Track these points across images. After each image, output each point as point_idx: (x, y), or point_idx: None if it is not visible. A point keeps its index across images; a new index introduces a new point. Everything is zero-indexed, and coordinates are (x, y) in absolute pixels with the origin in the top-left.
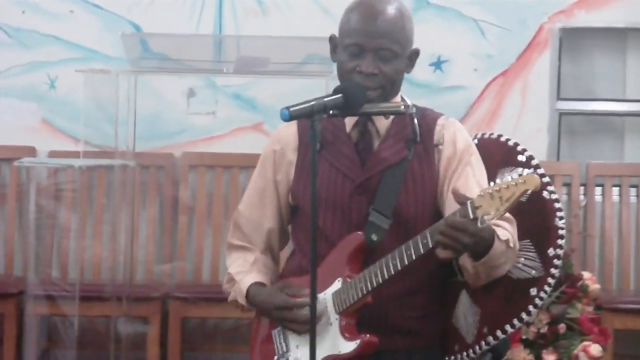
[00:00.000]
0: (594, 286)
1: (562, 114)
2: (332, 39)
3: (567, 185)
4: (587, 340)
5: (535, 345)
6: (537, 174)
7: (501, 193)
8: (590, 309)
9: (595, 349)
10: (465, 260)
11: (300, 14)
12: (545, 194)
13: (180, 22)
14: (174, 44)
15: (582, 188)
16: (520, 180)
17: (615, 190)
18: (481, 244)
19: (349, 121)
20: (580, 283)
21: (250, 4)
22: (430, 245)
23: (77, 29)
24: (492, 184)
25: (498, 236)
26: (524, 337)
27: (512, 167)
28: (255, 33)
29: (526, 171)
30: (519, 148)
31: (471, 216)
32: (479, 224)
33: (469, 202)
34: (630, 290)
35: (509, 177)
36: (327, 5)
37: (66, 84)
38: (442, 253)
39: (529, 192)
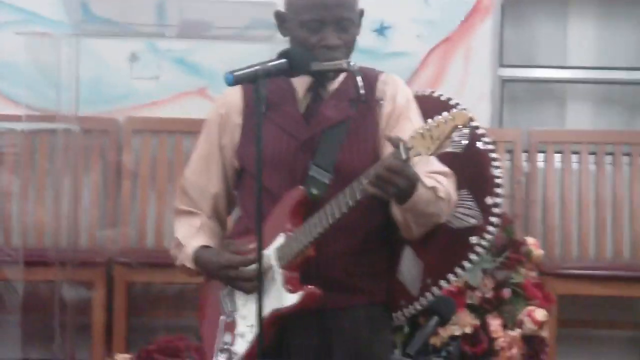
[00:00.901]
0: (538, 252)
1: (505, 81)
2: (278, 14)
3: (510, 152)
4: (532, 305)
5: (480, 310)
6: (472, 126)
7: (432, 132)
8: (534, 274)
9: (539, 313)
10: (395, 209)
11: None
12: (480, 144)
13: None
14: (117, 7)
15: (524, 155)
16: (449, 117)
17: (558, 156)
18: (408, 186)
19: (302, 85)
20: (524, 249)
21: None
22: (364, 188)
23: None
24: (423, 124)
25: (423, 182)
26: (469, 302)
27: None
28: None
29: (454, 111)
30: (452, 102)
31: (403, 157)
32: (410, 164)
33: (401, 144)
34: (573, 256)
35: (439, 116)
36: None
37: (6, 47)
38: (372, 191)
39: (459, 127)
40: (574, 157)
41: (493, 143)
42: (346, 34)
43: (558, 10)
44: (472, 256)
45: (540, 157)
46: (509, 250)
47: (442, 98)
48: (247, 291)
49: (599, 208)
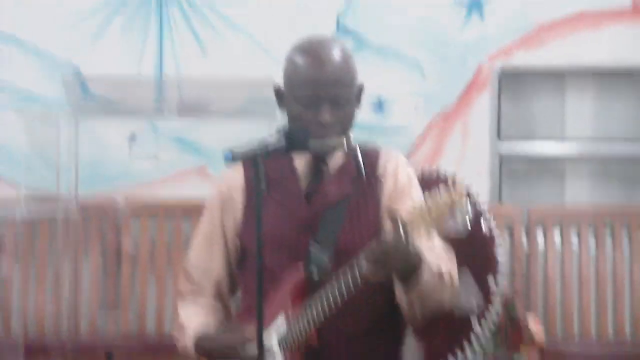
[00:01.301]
0: (540, 334)
1: (503, 156)
2: (277, 90)
3: (509, 228)
4: None
5: None
6: (473, 204)
7: (430, 208)
8: (534, 353)
9: None
10: (400, 293)
11: (241, 55)
12: (482, 225)
13: (121, 65)
14: (115, 86)
15: (524, 231)
16: (447, 193)
17: (557, 232)
18: (410, 266)
19: (302, 162)
20: (525, 329)
21: (191, 45)
22: (363, 268)
23: (16, 71)
24: (422, 202)
25: (428, 263)
26: None
27: None
28: (196, 75)
29: (453, 187)
30: (459, 184)
31: (402, 235)
32: (409, 243)
33: (399, 220)
34: (574, 334)
35: (437, 191)
36: (268, 46)
37: (5, 128)
38: (370, 271)
39: (458, 202)
40: (574, 233)
41: (493, 220)
42: (341, 111)
43: (555, 83)
44: (472, 336)
45: (540, 233)
46: (510, 329)
47: (444, 175)
48: None
49: (599, 284)
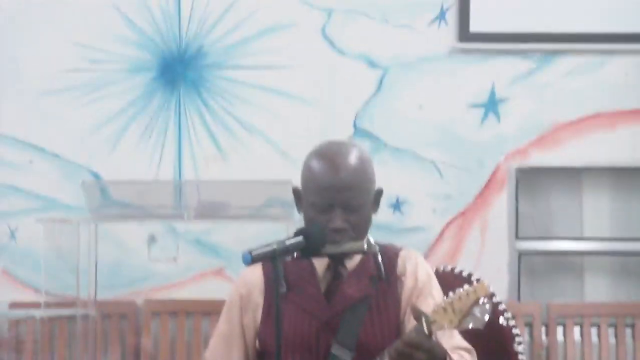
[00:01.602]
0: None
1: (521, 254)
2: (295, 191)
3: (529, 325)
4: None
5: None
6: (493, 302)
7: (454, 305)
8: None
9: None
10: None
11: (259, 158)
12: (502, 320)
13: (140, 169)
14: (134, 191)
15: (543, 328)
16: (471, 290)
17: (577, 329)
18: None
19: (321, 264)
20: None
21: (210, 149)
22: None
23: (37, 178)
24: (445, 297)
25: (452, 358)
26: None
27: None
28: (215, 178)
29: (475, 284)
30: (473, 278)
31: (426, 332)
32: (433, 339)
33: (423, 318)
34: None
35: (460, 289)
36: (286, 149)
37: (26, 234)
38: None
39: (480, 300)
40: (594, 330)
41: (513, 318)
42: (355, 216)
43: (572, 182)
44: None
45: (560, 330)
46: None
47: (464, 274)
48: None
49: None
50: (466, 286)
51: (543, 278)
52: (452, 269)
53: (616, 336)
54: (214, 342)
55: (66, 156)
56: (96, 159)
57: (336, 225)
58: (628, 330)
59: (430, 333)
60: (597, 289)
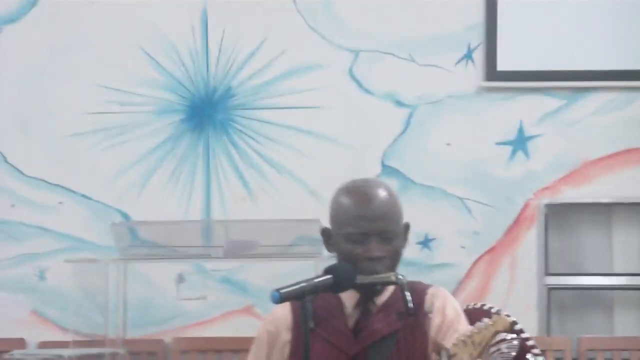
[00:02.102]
0: None
1: (551, 289)
2: (324, 230)
3: (560, 359)
4: None
5: None
6: (521, 338)
7: (473, 338)
8: None
9: None
10: None
11: (287, 197)
12: (529, 356)
13: (169, 209)
14: (163, 231)
15: None
16: (489, 323)
17: None
18: None
19: (350, 299)
20: None
21: (238, 188)
22: None
23: (66, 219)
24: (465, 331)
25: None
26: None
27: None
28: (243, 217)
29: (495, 316)
30: (503, 314)
31: None
32: None
33: (443, 352)
34: None
35: (480, 322)
36: (314, 187)
37: (56, 274)
38: None
39: (500, 333)
40: None
41: (543, 353)
42: (390, 245)
43: (602, 217)
44: None
45: None
46: None
47: (493, 310)
48: None
49: None
50: (486, 319)
51: (573, 313)
52: (482, 306)
53: None
54: None
55: (95, 197)
56: (125, 200)
57: (374, 254)
58: None
59: None
60: (627, 323)
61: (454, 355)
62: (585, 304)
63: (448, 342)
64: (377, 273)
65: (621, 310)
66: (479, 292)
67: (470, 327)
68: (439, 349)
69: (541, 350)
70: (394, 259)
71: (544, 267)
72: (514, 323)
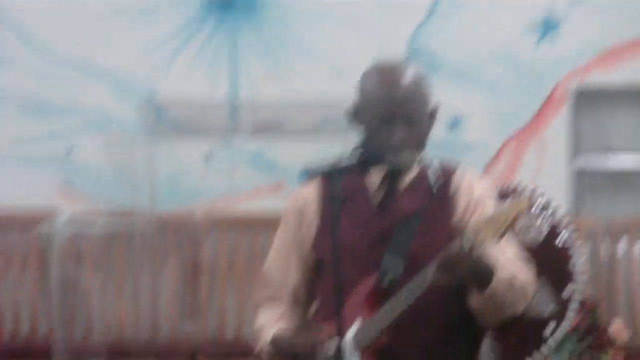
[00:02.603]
0: (623, 335)
1: (581, 170)
2: (350, 112)
3: (590, 238)
4: None
5: None
6: (553, 218)
7: (496, 218)
8: (619, 356)
9: None
10: (472, 298)
11: (314, 78)
12: (560, 238)
13: (196, 88)
14: (191, 109)
15: (604, 242)
16: (512, 203)
17: (638, 243)
18: (481, 273)
19: (376, 178)
20: (609, 333)
21: (266, 69)
22: (431, 276)
23: (96, 95)
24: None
25: (500, 270)
26: None
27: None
28: (270, 98)
29: (520, 197)
30: (537, 193)
31: (469, 243)
32: (477, 251)
33: (467, 230)
34: None
35: (503, 203)
36: (342, 68)
37: (85, 151)
38: (439, 278)
39: (523, 212)
40: None
41: (574, 232)
42: (415, 128)
43: (632, 100)
44: (543, 348)
45: (621, 243)
46: (594, 334)
47: (524, 188)
48: None
49: None
50: (509, 200)
51: (603, 194)
52: (513, 185)
53: None
54: (273, 252)
55: (124, 74)
56: (153, 77)
57: (399, 137)
58: None
59: (474, 244)
60: None
61: (477, 234)
62: (615, 185)
63: (474, 221)
64: (402, 155)
65: None
66: (507, 174)
67: (494, 207)
68: (461, 226)
69: (572, 230)
70: (420, 142)
71: (573, 149)
72: (548, 203)
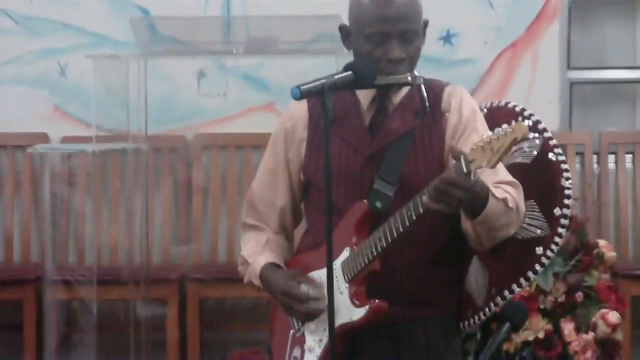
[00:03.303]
0: (610, 254)
1: (573, 84)
2: (342, 28)
3: (580, 154)
4: (605, 307)
5: (553, 315)
6: (544, 137)
7: (492, 144)
8: (606, 276)
9: (613, 316)
10: (466, 223)
11: None
12: (551, 155)
13: (189, 5)
14: (183, 27)
15: (595, 157)
16: (509, 130)
17: (629, 157)
18: (476, 200)
19: (366, 97)
20: (595, 251)
21: None
22: (425, 204)
23: (86, 14)
24: (483, 136)
25: (494, 194)
26: (541, 306)
27: None
28: (263, 13)
29: (515, 123)
30: (526, 113)
31: (464, 170)
32: (472, 177)
33: (462, 157)
34: None
35: (499, 129)
36: None
37: (76, 70)
38: (434, 206)
39: (518, 139)
40: None
41: (563, 153)
42: (410, 47)
43: (626, 11)
44: (537, 267)
45: (611, 158)
46: (581, 253)
47: (517, 109)
48: (302, 320)
49: None
50: (505, 125)
51: (595, 107)
52: (506, 104)
53: None
54: (260, 174)
55: None
56: None
57: (394, 56)
58: None
59: (469, 171)
60: None
61: (472, 161)
62: (607, 98)
63: (465, 142)
64: (396, 74)
65: None
66: (500, 88)
67: (489, 133)
68: (456, 153)
69: (562, 145)
70: (414, 60)
71: (566, 62)
72: (537, 122)
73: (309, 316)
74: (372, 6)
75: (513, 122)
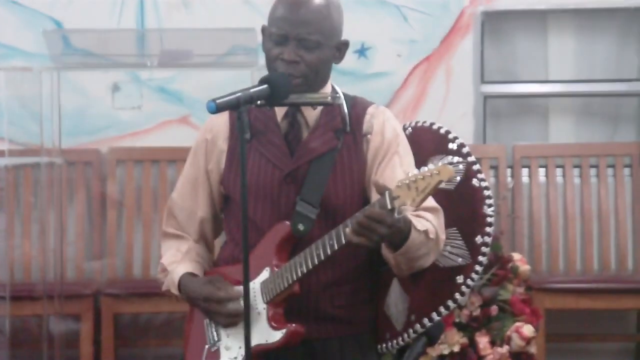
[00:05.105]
0: (524, 267)
1: (487, 97)
2: (263, 29)
3: (494, 168)
4: (520, 320)
5: (468, 328)
6: (468, 162)
7: (417, 184)
8: (521, 290)
9: (527, 329)
10: (386, 251)
11: (222, 5)
12: (474, 181)
13: (102, 17)
14: (97, 39)
15: (508, 170)
16: (435, 172)
17: (542, 170)
18: (398, 234)
19: (279, 111)
20: (510, 265)
21: None
22: (348, 236)
23: None
24: (409, 174)
25: (415, 227)
26: (457, 320)
27: (443, 154)
28: (178, 26)
29: (441, 162)
30: (451, 136)
31: (389, 207)
32: (395, 214)
33: (387, 193)
34: (560, 270)
35: (425, 168)
36: None
37: None
38: (356, 239)
39: (443, 183)
40: (558, 171)
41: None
42: (308, 54)
43: (537, 25)
44: (457, 296)
45: (525, 172)
46: (496, 267)
47: (442, 131)
48: (225, 326)
49: (584, 221)
50: (431, 165)
51: (508, 121)
52: (431, 125)
53: (581, 177)
54: (181, 184)
55: (26, 3)
56: (57, 6)
57: (287, 57)
58: (592, 171)
59: (393, 208)
60: (562, 131)
61: (397, 197)
62: (520, 111)
63: (386, 165)
64: (289, 76)
65: (556, 118)
66: (415, 101)
67: (415, 172)
68: (381, 189)
69: (477, 159)
70: (313, 69)
71: (479, 75)
72: (462, 145)
73: (231, 318)
74: (280, 8)
75: (439, 163)
